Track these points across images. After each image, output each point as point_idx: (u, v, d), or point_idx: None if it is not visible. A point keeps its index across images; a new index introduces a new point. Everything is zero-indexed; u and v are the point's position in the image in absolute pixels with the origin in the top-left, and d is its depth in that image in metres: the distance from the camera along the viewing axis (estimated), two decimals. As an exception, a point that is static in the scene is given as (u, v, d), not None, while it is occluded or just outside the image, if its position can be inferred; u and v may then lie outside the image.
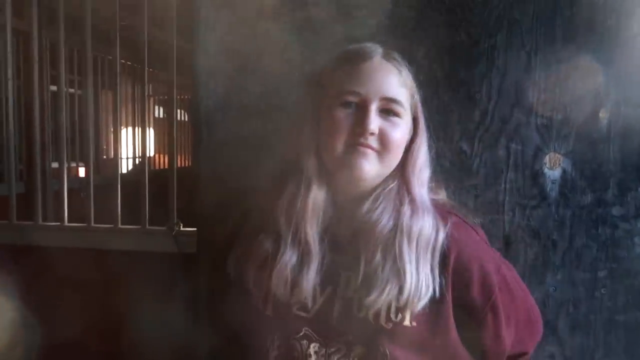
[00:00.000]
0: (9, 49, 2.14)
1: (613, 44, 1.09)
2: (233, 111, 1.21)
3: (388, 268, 0.80)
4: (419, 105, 0.90)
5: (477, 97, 1.13)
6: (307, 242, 0.84)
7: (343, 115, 0.83)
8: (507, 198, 1.14)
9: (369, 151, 0.82)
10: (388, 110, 0.84)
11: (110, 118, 4.87)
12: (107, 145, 5.37)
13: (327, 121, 0.84)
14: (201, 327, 1.19)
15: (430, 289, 0.81)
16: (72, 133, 3.76)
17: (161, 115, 6.71)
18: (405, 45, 1.12)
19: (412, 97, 0.88)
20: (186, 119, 6.70)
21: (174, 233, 1.76)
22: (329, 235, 0.86)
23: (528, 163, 1.13)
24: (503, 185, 1.14)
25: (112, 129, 5.11)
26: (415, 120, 0.89)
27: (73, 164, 3.94)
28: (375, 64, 0.85)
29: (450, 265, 0.84)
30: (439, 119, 1.13)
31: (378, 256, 0.81)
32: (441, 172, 1.11)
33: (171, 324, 1.41)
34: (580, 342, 1.14)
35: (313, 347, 0.85)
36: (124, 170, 4.81)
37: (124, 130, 4.88)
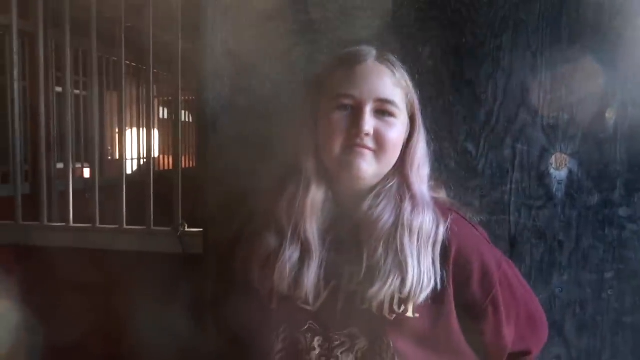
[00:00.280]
0: (14, 50, 2.15)
1: (619, 45, 1.09)
2: (238, 112, 1.21)
3: (390, 260, 0.82)
4: (416, 103, 0.91)
5: (483, 98, 1.13)
6: (307, 240, 0.86)
7: (339, 118, 0.86)
8: (513, 199, 1.13)
9: (366, 151, 0.85)
10: (383, 111, 0.87)
11: (116, 119, 4.88)
12: (112, 146, 5.39)
13: (324, 124, 0.88)
14: (206, 327, 1.19)
15: (432, 281, 0.83)
16: (77, 134, 3.77)
17: (165, 117, 6.73)
18: (410, 46, 1.12)
19: (407, 96, 0.90)
20: (190, 120, 6.72)
21: (178, 234, 1.76)
22: (331, 233, 0.88)
23: (534, 163, 1.12)
24: (509, 186, 1.13)
25: (117, 130, 5.13)
26: (412, 119, 0.91)
27: (78, 165, 3.95)
28: (368, 67, 0.88)
29: (451, 258, 0.86)
30: (445, 120, 1.12)
31: (380, 250, 0.83)
32: (446, 172, 1.12)
33: (176, 324, 1.42)
34: (586, 343, 1.13)
35: (317, 341, 0.86)
36: (129, 171, 4.82)
37: (129, 132, 4.90)
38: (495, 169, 1.14)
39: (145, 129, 4.69)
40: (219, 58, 1.21)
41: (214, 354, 1.07)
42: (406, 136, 0.90)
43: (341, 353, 0.85)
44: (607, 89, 1.09)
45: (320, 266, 0.86)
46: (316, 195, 0.88)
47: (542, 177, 1.12)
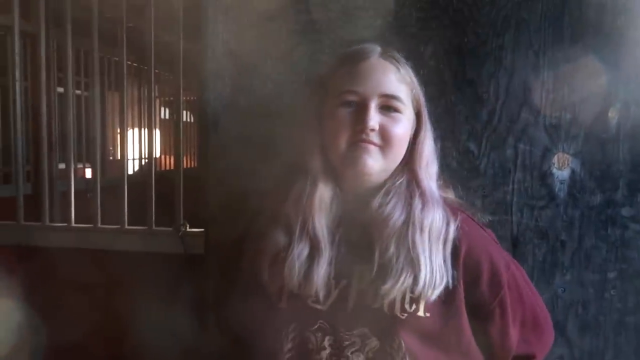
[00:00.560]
0: (16, 50, 2.15)
1: (622, 44, 1.09)
2: (240, 112, 1.21)
3: (402, 258, 0.82)
4: (422, 100, 0.91)
5: (485, 97, 1.12)
6: (315, 236, 0.86)
7: (344, 114, 0.86)
8: (515, 198, 1.13)
9: (371, 147, 0.85)
10: (388, 107, 0.87)
11: (117, 119, 4.89)
12: (114, 146, 5.39)
13: (329, 121, 0.88)
14: (208, 327, 1.19)
15: (444, 280, 0.83)
16: (78, 134, 3.78)
17: (167, 117, 6.74)
18: (412, 46, 1.12)
19: (413, 92, 0.90)
20: (192, 120, 6.72)
21: (180, 234, 1.76)
22: (340, 231, 0.88)
23: (536, 163, 1.12)
24: (511, 186, 1.13)
25: (118, 130, 5.14)
26: (418, 115, 0.91)
27: (80, 165, 3.96)
28: (373, 63, 0.88)
29: (461, 257, 0.85)
30: (446, 119, 1.12)
31: (392, 248, 0.83)
32: (448, 172, 1.11)
33: (177, 324, 1.41)
34: (589, 343, 1.13)
35: (328, 340, 0.85)
36: (131, 172, 4.83)
37: (130, 132, 4.90)
38: (497, 169, 1.13)
39: (146, 129, 4.69)
40: (220, 58, 1.21)
41: (216, 353, 1.07)
42: (412, 132, 0.90)
43: (351, 353, 0.84)
44: (610, 88, 1.09)
45: (330, 263, 0.86)
46: (324, 192, 0.88)
47: (545, 176, 1.12)
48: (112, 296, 1.77)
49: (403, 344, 0.83)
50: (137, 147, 4.93)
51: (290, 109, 1.15)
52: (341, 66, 0.90)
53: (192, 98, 5.92)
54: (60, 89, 2.44)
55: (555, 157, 1.12)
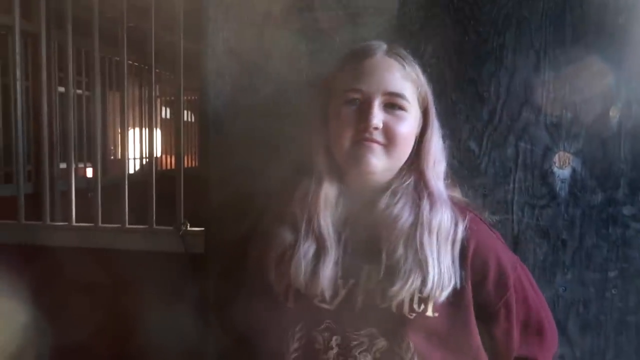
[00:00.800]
0: (17, 50, 2.16)
1: (623, 43, 1.08)
2: (241, 112, 1.21)
3: (410, 259, 0.82)
4: (429, 97, 0.90)
5: (486, 96, 1.12)
6: (321, 235, 0.85)
7: (348, 113, 0.85)
8: (516, 197, 1.13)
9: (375, 145, 0.84)
10: (393, 105, 0.86)
11: (118, 119, 4.89)
12: (115, 146, 5.40)
13: (333, 119, 0.87)
14: (209, 326, 1.19)
15: (453, 280, 0.83)
16: (79, 134, 3.78)
17: (168, 116, 6.74)
18: (413, 45, 1.12)
19: (419, 90, 0.89)
20: (193, 120, 6.72)
21: (181, 233, 1.76)
22: (346, 230, 0.87)
23: (537, 162, 1.12)
24: (512, 185, 1.13)
25: (119, 130, 5.14)
26: (425, 113, 0.90)
27: (81, 165, 3.96)
28: (377, 60, 0.87)
29: (469, 257, 0.85)
30: (447, 118, 1.12)
31: (400, 249, 0.82)
32: (449, 171, 1.11)
33: (179, 323, 1.41)
34: (590, 343, 1.13)
35: (335, 340, 0.85)
36: (131, 171, 4.83)
37: (131, 131, 4.91)
38: (498, 168, 1.13)
39: (147, 129, 4.69)
40: (220, 57, 1.21)
41: (218, 353, 1.07)
42: (419, 131, 0.89)
43: (359, 353, 0.84)
44: (611, 87, 1.09)
45: (336, 263, 0.85)
46: (329, 191, 0.87)
47: (546, 175, 1.12)
48: (113, 295, 1.77)
49: (411, 344, 0.83)
50: (138, 146, 4.94)
51: (292, 108, 1.15)
52: (346, 64, 0.89)
53: (193, 97, 5.92)
54: (61, 89, 2.45)
55: (556, 156, 1.12)
